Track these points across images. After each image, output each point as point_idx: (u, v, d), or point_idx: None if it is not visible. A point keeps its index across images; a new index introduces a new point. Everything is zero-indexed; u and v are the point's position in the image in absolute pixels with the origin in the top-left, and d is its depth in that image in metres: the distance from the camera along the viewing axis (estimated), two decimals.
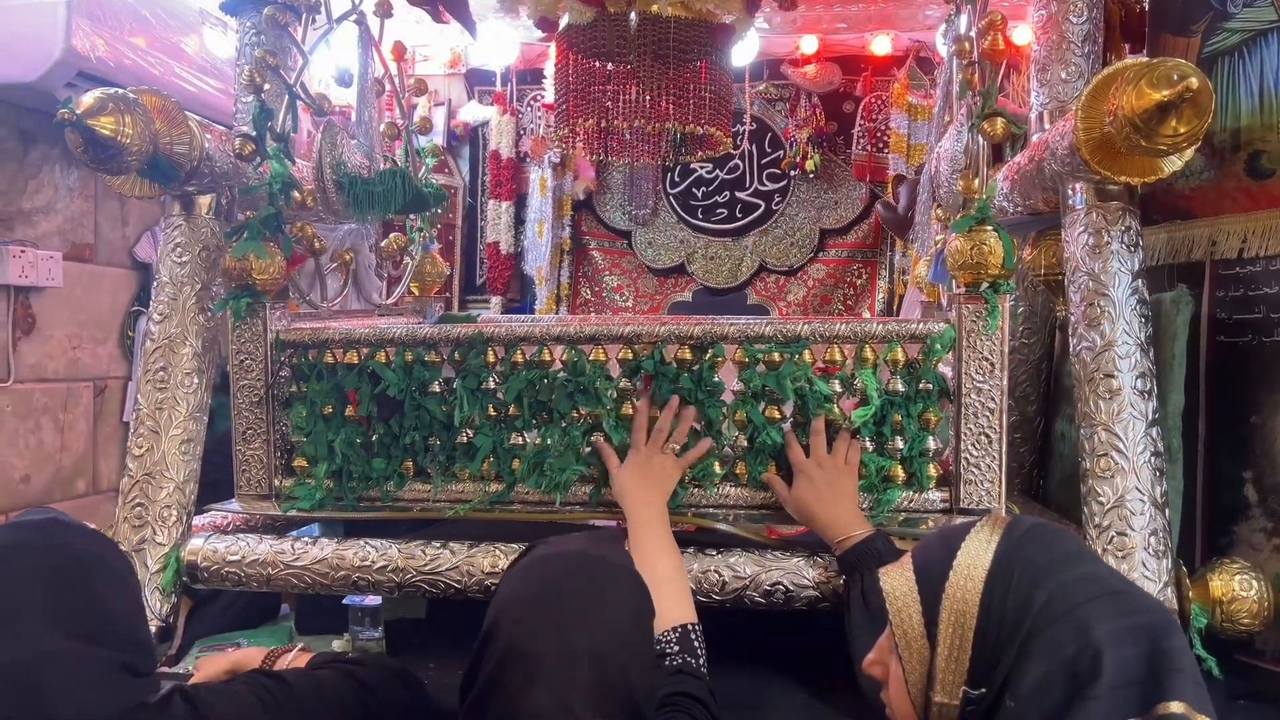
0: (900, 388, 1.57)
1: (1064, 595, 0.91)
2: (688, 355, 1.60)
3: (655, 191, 4.66)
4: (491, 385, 1.67)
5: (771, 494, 1.59)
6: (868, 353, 1.57)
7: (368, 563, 1.63)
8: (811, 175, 4.37)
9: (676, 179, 4.62)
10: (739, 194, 4.54)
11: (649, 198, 4.64)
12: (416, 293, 2.63)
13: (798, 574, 1.52)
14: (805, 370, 1.57)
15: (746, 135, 4.42)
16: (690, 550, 1.56)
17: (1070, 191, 1.57)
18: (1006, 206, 1.83)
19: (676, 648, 1.30)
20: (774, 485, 1.57)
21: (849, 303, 4.46)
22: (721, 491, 1.62)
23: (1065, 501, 1.89)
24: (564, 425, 1.64)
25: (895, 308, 4.20)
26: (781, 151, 4.46)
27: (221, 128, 1.83)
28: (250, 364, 1.73)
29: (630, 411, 1.62)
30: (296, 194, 1.78)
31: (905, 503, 1.57)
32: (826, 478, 1.52)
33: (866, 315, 4.35)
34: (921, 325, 1.56)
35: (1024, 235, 1.96)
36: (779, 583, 1.52)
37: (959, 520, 1.53)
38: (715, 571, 1.54)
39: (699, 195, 4.59)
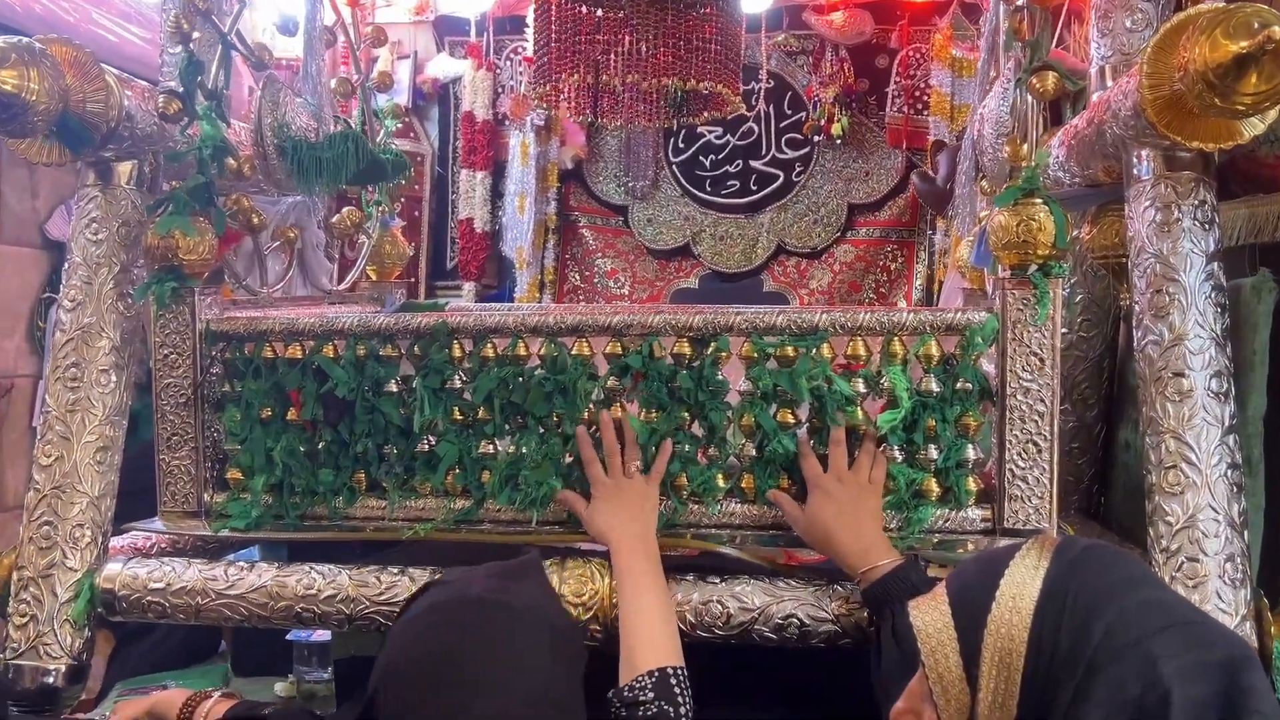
0: (935, 388, 1.56)
1: (1126, 626, 0.91)
2: (686, 349, 1.60)
3: (655, 160, 4.67)
4: (457, 384, 1.66)
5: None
6: (897, 346, 1.57)
7: (313, 591, 1.62)
8: (838, 141, 4.38)
9: (680, 145, 4.63)
10: (753, 163, 4.55)
11: (648, 167, 4.65)
12: (374, 277, 2.64)
13: (815, 605, 1.52)
14: (824, 367, 1.56)
15: (762, 94, 4.42)
16: (689, 577, 1.56)
17: (1135, 159, 1.56)
18: (1062, 177, 1.83)
19: (652, 694, 1.30)
20: (782, 504, 1.57)
21: (882, 290, 4.47)
22: (726, 509, 1.62)
23: (1130, 522, 1.88)
24: (542, 431, 1.64)
25: (935, 296, 4.21)
26: (803, 113, 4.46)
27: (145, 83, 1.83)
28: (176, 359, 1.73)
29: (619, 414, 1.62)
30: (231, 161, 1.78)
31: (940, 522, 1.57)
32: (847, 495, 1.52)
33: (902, 305, 4.36)
34: (959, 314, 1.56)
35: (1082, 211, 1.96)
36: (792, 615, 1.52)
37: (1003, 543, 1.52)
38: (718, 602, 1.53)
39: (706, 164, 4.59)
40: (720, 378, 1.60)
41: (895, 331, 1.57)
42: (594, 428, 1.63)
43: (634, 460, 1.58)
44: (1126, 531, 1.84)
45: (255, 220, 2.01)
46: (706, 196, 4.62)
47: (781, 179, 4.54)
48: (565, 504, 1.61)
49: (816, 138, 4.44)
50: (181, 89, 1.68)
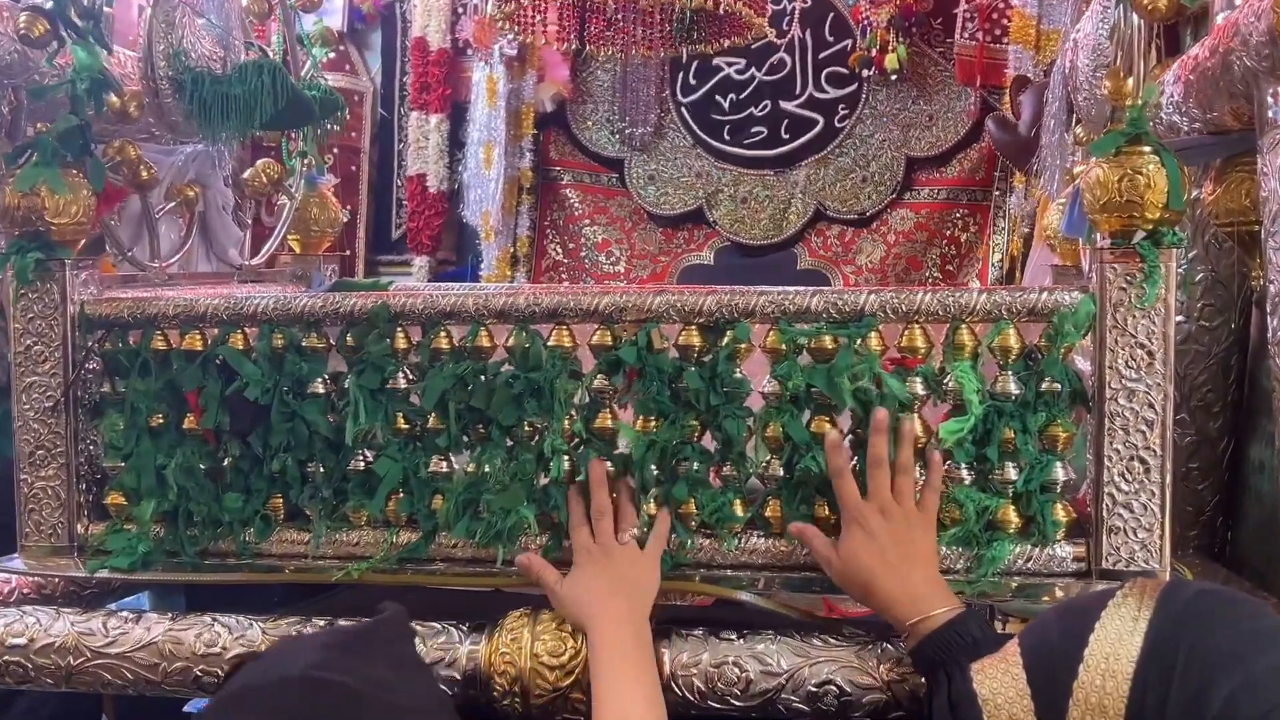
0: (1013, 389, 1.56)
1: (1255, 695, 0.91)
2: (695, 340, 1.60)
3: (660, 100, 4.68)
4: (401, 384, 1.67)
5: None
6: (965, 336, 1.57)
7: (217, 649, 1.62)
8: (894, 77, 4.39)
9: (691, 81, 4.63)
10: (785, 104, 4.55)
11: (650, 109, 4.66)
12: (297, 250, 2.64)
13: (859, 667, 1.52)
14: (871, 362, 1.57)
15: (797, 15, 4.42)
16: (698, 633, 1.57)
17: (1270, 99, 1.55)
18: (1178, 121, 1.83)
19: None
20: (809, 540, 1.57)
21: (949, 268, 4.48)
22: (745, 544, 1.62)
23: (1265, 564, 1.89)
24: (509, 445, 1.64)
25: (1018, 274, 4.21)
26: (849, 41, 4.46)
27: (4, 0, 1.85)
28: (41, 351, 1.73)
29: (607, 423, 1.62)
30: (114, 98, 1.79)
31: (1020, 561, 1.57)
32: (892, 530, 1.51)
33: (975, 285, 4.36)
34: (1045, 295, 1.56)
35: (1204, 165, 1.96)
36: (829, 681, 1.51)
37: (1098, 588, 1.53)
38: (735, 665, 1.53)
39: (725, 105, 4.60)
40: (738, 376, 1.60)
41: (963, 317, 1.57)
42: (578, 474, 1.63)
43: (630, 527, 1.59)
44: (1261, 576, 1.84)
45: (145, 174, 2.02)
46: (724, 147, 4.62)
47: (821, 125, 4.54)
48: (529, 574, 1.59)
49: (866, 72, 4.44)
50: (49, 5, 1.68)
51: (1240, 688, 0.92)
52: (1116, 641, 0.97)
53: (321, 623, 1.63)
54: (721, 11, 2.53)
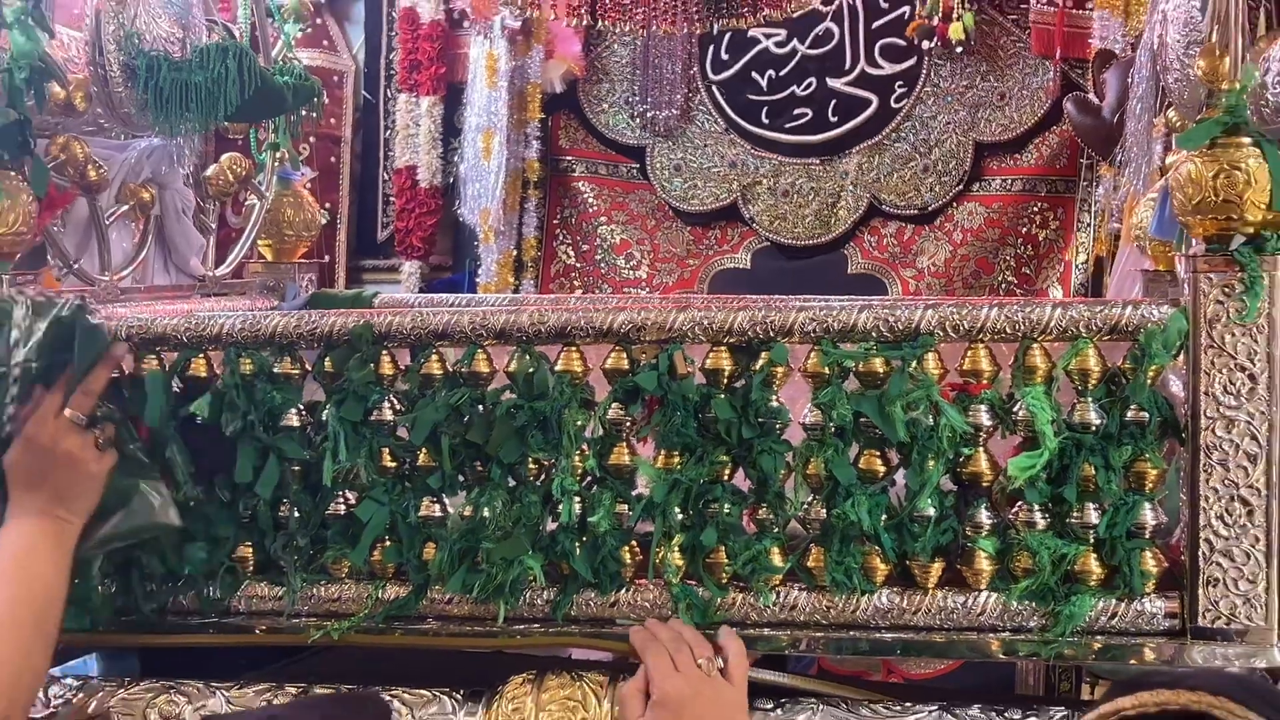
0: (1094, 419, 1.58)
1: None
2: (725, 363, 1.62)
3: (687, 78, 4.68)
4: (388, 416, 1.69)
5: (880, 603, 1.62)
6: (1037, 358, 1.58)
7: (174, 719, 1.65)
8: (959, 49, 4.38)
9: (724, 56, 4.64)
10: (833, 82, 4.56)
11: (676, 89, 4.67)
12: (269, 257, 2.67)
13: None
14: (928, 389, 1.58)
15: None
16: None
17: None
18: None
19: None
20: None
21: (1025, 271, 4.47)
22: (785, 599, 1.64)
23: None
24: (512, 485, 1.66)
25: (1105, 279, 4.21)
26: (907, 8, 4.47)
27: None
28: None
29: (624, 459, 1.64)
30: (57, 88, 1.82)
31: (1104, 618, 1.59)
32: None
33: (1057, 293, 4.36)
34: (1130, 309, 1.57)
35: None
36: None
37: (1197, 652, 1.54)
38: None
39: (763, 84, 4.60)
40: (775, 405, 1.62)
41: (1034, 335, 1.58)
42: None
43: (705, 653, 1.55)
44: None
45: (93, 175, 2.04)
46: (763, 132, 4.62)
47: (875, 105, 4.54)
48: (621, 706, 1.55)
49: (927, 44, 4.44)
50: None
51: None
52: None
53: (294, 690, 1.66)
54: None
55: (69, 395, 1.63)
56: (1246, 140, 1.52)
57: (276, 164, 2.59)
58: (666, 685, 1.50)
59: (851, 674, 1.92)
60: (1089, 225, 4.39)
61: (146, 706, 1.68)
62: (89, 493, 1.64)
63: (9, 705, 1.47)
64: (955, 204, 4.53)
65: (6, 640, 1.49)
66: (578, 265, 4.79)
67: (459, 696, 1.63)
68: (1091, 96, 4.11)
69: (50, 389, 1.63)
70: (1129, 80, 2.64)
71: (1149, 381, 1.57)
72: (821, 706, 1.58)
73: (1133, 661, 1.58)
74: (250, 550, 1.74)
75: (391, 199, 4.82)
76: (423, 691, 1.63)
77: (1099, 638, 1.59)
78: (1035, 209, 4.48)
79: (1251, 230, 1.52)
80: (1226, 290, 1.53)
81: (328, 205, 4.57)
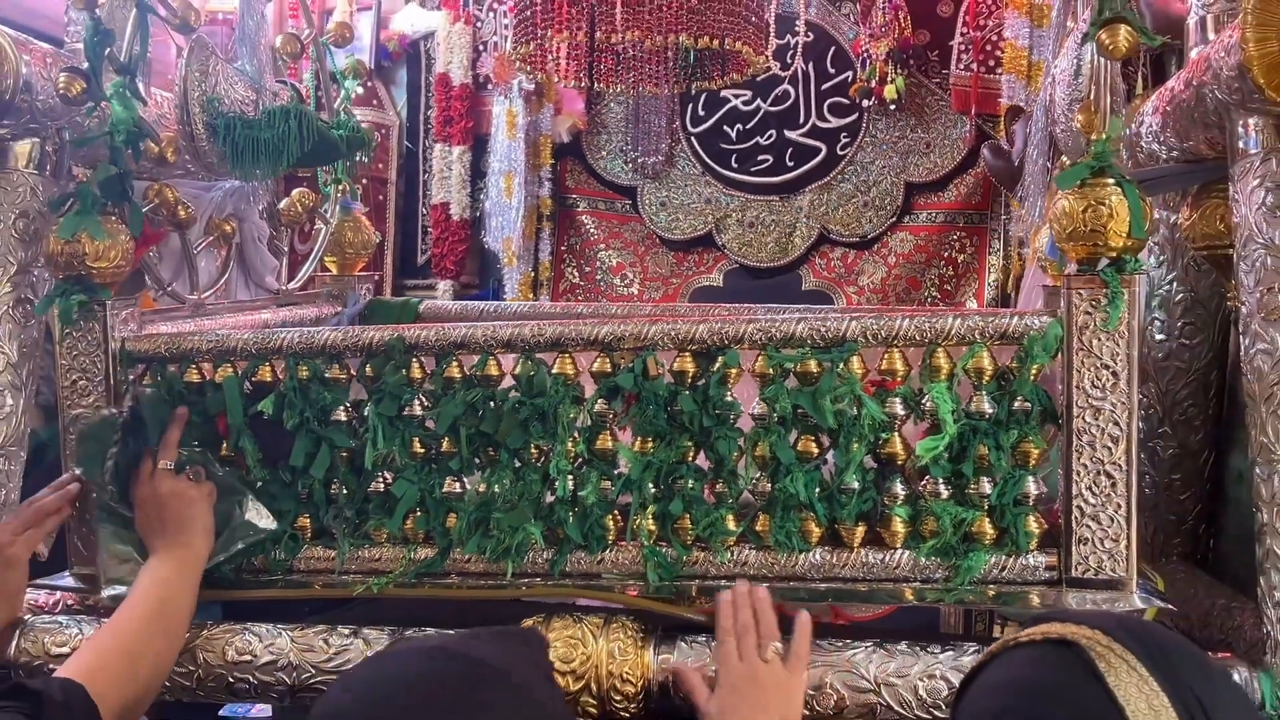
0: (987, 408, 1.59)
1: None
2: (689, 366, 1.63)
3: (670, 131, 4.69)
4: (417, 411, 1.71)
5: (814, 559, 1.63)
6: (941, 359, 1.60)
7: (248, 657, 1.67)
8: (893, 107, 4.38)
9: (700, 112, 4.64)
10: (789, 133, 4.56)
11: (661, 139, 4.67)
12: (334, 271, 2.68)
13: (854, 671, 1.55)
14: (852, 385, 1.60)
15: (800, 49, 4.43)
16: (700, 639, 1.60)
17: (1240, 130, 1.58)
18: (1157, 150, 1.85)
19: None
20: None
21: (947, 287, 4.47)
22: (737, 556, 1.65)
23: (1245, 571, 1.88)
24: (517, 466, 1.68)
25: (1013, 294, 4.21)
26: (850, 73, 4.47)
27: (47, 46, 1.86)
28: (85, 385, 1.77)
29: (608, 444, 1.66)
30: (151, 145, 1.83)
31: (996, 570, 1.60)
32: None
33: (972, 305, 4.36)
34: (1016, 319, 1.59)
35: (1181, 191, 1.97)
36: (826, 684, 1.55)
37: (1071, 599, 1.55)
38: None
39: (732, 135, 4.60)
40: (729, 399, 1.64)
41: (939, 341, 1.60)
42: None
43: (772, 641, 1.51)
44: (1242, 582, 1.84)
45: (183, 214, 2.05)
46: (732, 174, 4.63)
47: (824, 152, 4.54)
48: (680, 684, 1.54)
49: (866, 102, 4.44)
50: (85, 65, 1.71)
51: None
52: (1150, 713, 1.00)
53: (346, 631, 1.68)
54: (724, 49, 2.56)
55: (156, 456, 1.70)
56: (1111, 180, 1.53)
57: (340, 195, 2.60)
58: (729, 671, 1.48)
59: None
60: (999, 250, 4.39)
61: (225, 645, 1.69)
62: (199, 518, 1.69)
63: (145, 690, 1.54)
64: (890, 233, 4.52)
65: (146, 645, 1.55)
66: (582, 284, 4.79)
67: None
68: (1002, 144, 4.12)
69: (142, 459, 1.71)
70: (1029, 130, 2.66)
71: (1032, 378, 1.59)
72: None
73: (1019, 605, 1.59)
74: (308, 521, 1.76)
75: (429, 230, 4.82)
76: (450, 633, 1.64)
77: (992, 586, 1.61)
78: (955, 237, 4.48)
79: (1114, 254, 1.54)
80: (1094, 303, 1.55)
81: (378, 234, 4.59)
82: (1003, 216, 4.37)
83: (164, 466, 1.69)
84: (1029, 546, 1.60)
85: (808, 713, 1.54)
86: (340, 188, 2.59)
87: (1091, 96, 1.60)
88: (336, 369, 1.73)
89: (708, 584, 1.65)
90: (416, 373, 1.71)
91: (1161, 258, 2.04)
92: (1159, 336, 2.04)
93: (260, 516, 1.72)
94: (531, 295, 4.70)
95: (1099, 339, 1.55)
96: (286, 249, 2.63)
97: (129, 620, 1.57)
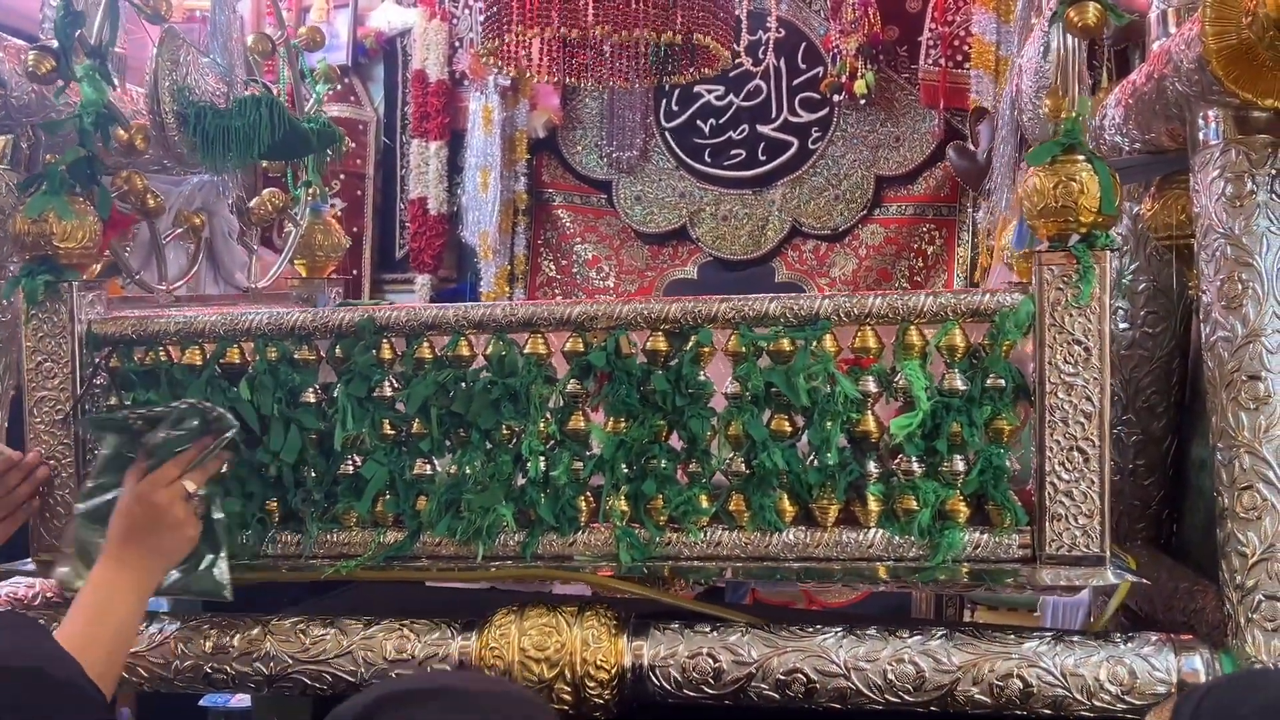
0: (960, 386, 1.56)
1: None
2: (661, 345, 1.60)
3: (644, 125, 4.68)
4: (387, 392, 1.67)
5: (788, 539, 1.60)
6: (913, 337, 1.57)
7: (225, 647, 1.63)
8: (862, 101, 4.39)
9: (674, 108, 4.63)
10: (761, 128, 4.56)
11: (636, 134, 4.67)
12: (304, 273, 2.63)
13: (824, 656, 1.52)
14: (826, 363, 1.57)
15: (771, 45, 4.42)
16: (674, 625, 1.57)
17: (1201, 121, 1.57)
18: (1120, 142, 1.84)
19: None
20: None
21: (917, 278, 4.48)
22: (712, 537, 1.62)
23: (1207, 556, 1.88)
24: (488, 447, 1.64)
25: (980, 285, 4.21)
26: (820, 68, 4.47)
27: (21, 42, 1.84)
28: (51, 367, 1.73)
29: (580, 425, 1.62)
30: (120, 131, 1.78)
31: (971, 548, 1.57)
32: None
33: None
34: (988, 296, 1.56)
35: (1144, 182, 1.95)
36: (797, 670, 1.52)
37: (1045, 574, 1.52)
38: (707, 656, 1.53)
39: (705, 130, 4.60)
40: (702, 378, 1.61)
41: (912, 319, 1.57)
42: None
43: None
44: (1204, 567, 1.83)
45: (151, 203, 2.00)
46: (706, 169, 4.63)
47: (795, 147, 4.54)
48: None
49: (836, 97, 4.45)
50: (55, 44, 1.67)
51: None
52: None
53: (322, 621, 1.64)
54: (693, 44, 2.53)
55: (184, 470, 1.59)
56: (1081, 157, 1.51)
57: (309, 198, 2.56)
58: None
59: (780, 604, 1.90)
60: (967, 241, 4.42)
61: (203, 636, 1.65)
62: (179, 552, 1.60)
63: None
64: (860, 225, 4.55)
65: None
66: (558, 277, 4.79)
67: (457, 625, 1.61)
68: (969, 145, 4.14)
69: (166, 460, 1.60)
70: (995, 125, 2.65)
71: (1004, 354, 1.56)
72: (749, 629, 1.55)
73: (996, 589, 1.56)
74: (276, 504, 1.72)
75: (407, 224, 4.82)
76: (426, 622, 1.61)
77: (966, 565, 1.57)
78: (924, 229, 4.50)
79: (1085, 230, 1.51)
80: (1065, 279, 1.52)
81: (355, 229, 4.57)
82: (970, 209, 4.38)
83: (186, 486, 1.60)
84: (1005, 523, 1.57)
85: (778, 697, 1.52)
86: (311, 190, 2.54)
87: (1058, 80, 1.58)
88: (305, 350, 1.69)
89: (681, 565, 1.62)
90: (386, 354, 1.67)
91: (1124, 248, 2.04)
92: (1122, 325, 2.04)
93: (222, 577, 1.63)
94: (508, 288, 4.71)
95: (1070, 315, 1.52)
96: (255, 246, 2.60)
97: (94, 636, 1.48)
